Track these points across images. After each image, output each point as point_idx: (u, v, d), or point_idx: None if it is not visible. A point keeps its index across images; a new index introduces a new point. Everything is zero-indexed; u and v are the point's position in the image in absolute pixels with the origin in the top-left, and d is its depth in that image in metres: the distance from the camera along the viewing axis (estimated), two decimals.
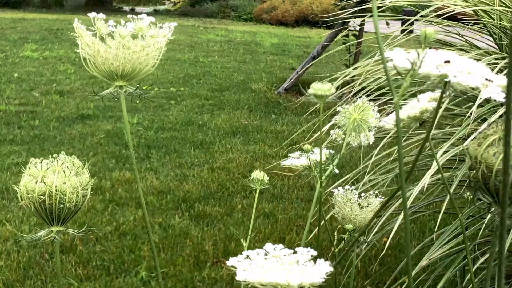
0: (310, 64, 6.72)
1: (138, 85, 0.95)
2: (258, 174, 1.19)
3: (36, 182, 0.85)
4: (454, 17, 2.06)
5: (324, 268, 0.65)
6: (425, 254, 2.09)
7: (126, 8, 19.42)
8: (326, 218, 1.43)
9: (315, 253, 0.67)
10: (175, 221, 3.52)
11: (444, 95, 0.73)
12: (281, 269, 0.66)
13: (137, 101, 6.32)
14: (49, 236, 0.89)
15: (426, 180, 1.54)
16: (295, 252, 0.67)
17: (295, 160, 1.19)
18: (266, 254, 0.67)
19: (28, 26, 12.23)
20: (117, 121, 5.65)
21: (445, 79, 0.69)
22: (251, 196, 3.93)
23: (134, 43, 0.89)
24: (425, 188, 1.59)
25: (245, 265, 0.65)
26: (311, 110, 6.01)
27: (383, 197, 1.18)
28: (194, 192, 3.96)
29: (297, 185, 4.09)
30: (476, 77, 0.69)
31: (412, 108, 0.97)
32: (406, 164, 2.01)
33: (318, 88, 1.00)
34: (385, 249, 1.97)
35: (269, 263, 0.66)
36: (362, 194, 1.18)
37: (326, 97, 1.00)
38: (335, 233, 1.30)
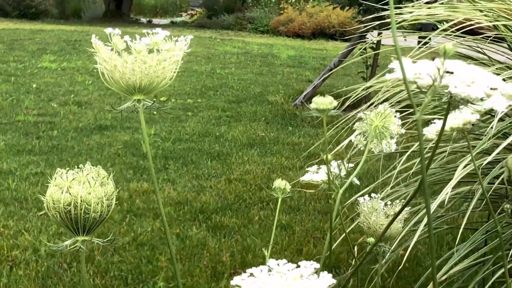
0: (327, 76, 6.73)
1: (155, 99, 0.97)
2: (280, 183, 1.19)
3: (62, 192, 0.86)
4: (473, 31, 2.06)
5: (327, 280, 0.65)
6: (443, 267, 2.08)
7: (143, 20, 19.48)
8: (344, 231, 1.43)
9: (317, 265, 0.67)
10: (193, 232, 3.53)
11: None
12: (285, 285, 0.66)
13: (155, 112, 6.35)
14: (74, 245, 0.90)
15: (448, 191, 1.54)
16: (298, 266, 0.68)
17: (315, 175, 1.19)
18: (270, 270, 0.68)
19: (46, 37, 12.31)
20: (134, 132, 5.68)
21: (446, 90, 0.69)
22: (268, 208, 3.93)
23: (150, 58, 0.91)
24: (446, 201, 1.59)
25: (250, 283, 0.66)
26: (328, 123, 6.02)
27: (409, 207, 1.17)
28: (211, 203, 3.97)
29: (314, 197, 4.09)
30: (479, 87, 0.68)
31: (455, 119, 0.96)
32: (433, 174, 2.01)
33: (320, 102, 1.01)
34: (403, 262, 1.97)
35: (273, 279, 0.67)
36: (388, 203, 1.18)
37: (328, 111, 1.00)
38: (353, 245, 1.30)
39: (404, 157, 1.93)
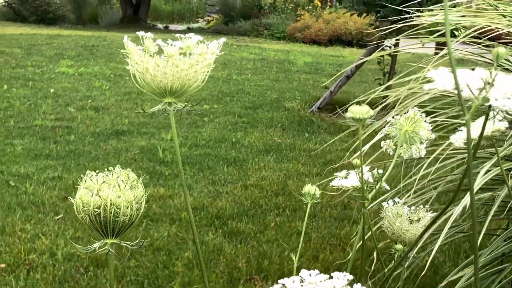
0: (344, 83, 6.72)
1: (187, 102, 0.97)
2: (309, 189, 1.19)
3: (92, 195, 0.87)
4: (497, 38, 2.05)
5: None
6: (461, 275, 2.07)
7: (160, 25, 19.53)
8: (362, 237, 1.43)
9: (351, 277, 0.67)
10: (209, 238, 3.53)
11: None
12: None
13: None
14: (103, 248, 0.90)
15: (466, 198, 1.53)
16: (331, 277, 0.67)
17: (344, 181, 1.18)
18: (302, 281, 0.67)
19: (63, 42, 12.37)
20: (151, 137, 5.69)
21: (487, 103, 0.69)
22: (285, 214, 3.93)
23: (182, 61, 0.91)
24: (467, 207, 1.59)
25: None
26: (345, 130, 6.01)
27: (432, 212, 1.17)
28: (228, 209, 3.97)
29: (330, 204, 4.08)
30: None
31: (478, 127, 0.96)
32: (451, 181, 2.01)
33: (356, 111, 1.00)
34: (425, 269, 1.96)
35: None
36: (412, 208, 1.17)
37: (364, 120, 1.00)
38: (371, 251, 1.29)
39: (428, 162, 1.92)
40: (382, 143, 1.09)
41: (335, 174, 1.20)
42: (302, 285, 0.67)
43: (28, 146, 5.26)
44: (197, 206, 4.01)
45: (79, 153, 5.14)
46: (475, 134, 0.94)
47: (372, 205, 1.92)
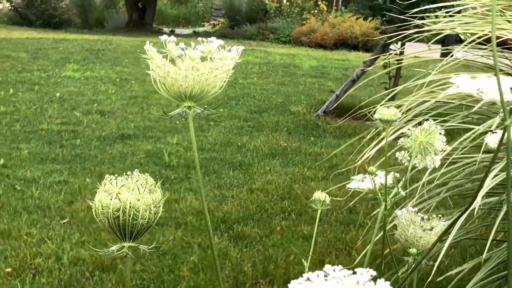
0: (350, 87, 6.71)
1: (206, 106, 0.97)
2: (319, 195, 1.19)
3: (111, 198, 0.87)
4: (502, 43, 2.05)
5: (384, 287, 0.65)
6: (467, 279, 2.07)
7: (166, 29, 19.55)
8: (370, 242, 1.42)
9: (374, 273, 0.67)
10: (214, 242, 3.53)
11: None
12: None
13: (177, 122, 6.37)
14: (121, 251, 0.91)
15: (478, 200, 1.53)
16: (354, 272, 0.68)
17: (361, 183, 1.18)
18: (326, 276, 0.67)
19: (69, 46, 12.40)
20: (157, 141, 5.70)
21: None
22: (290, 218, 3.93)
23: (203, 65, 0.91)
24: (476, 210, 1.58)
25: (307, 287, 0.66)
26: (350, 134, 5.99)
27: (444, 220, 1.17)
28: (233, 213, 3.97)
29: (336, 208, 4.07)
30: None
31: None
32: (457, 186, 2.00)
33: (384, 113, 1.01)
34: (432, 274, 1.96)
35: (330, 284, 0.66)
36: (424, 216, 1.17)
37: (392, 122, 1.01)
38: (378, 256, 1.29)
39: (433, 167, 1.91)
40: (397, 153, 1.10)
41: (352, 177, 1.20)
42: (326, 279, 0.67)
43: (34, 150, 5.27)
44: (203, 210, 4.01)
45: (85, 157, 5.15)
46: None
47: (379, 209, 1.91)
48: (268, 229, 3.75)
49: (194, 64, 0.90)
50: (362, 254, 2.48)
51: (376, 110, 1.02)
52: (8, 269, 3.15)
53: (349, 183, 1.24)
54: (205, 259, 3.30)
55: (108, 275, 3.11)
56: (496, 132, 1.03)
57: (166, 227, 3.72)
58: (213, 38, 0.94)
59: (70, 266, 3.20)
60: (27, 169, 4.73)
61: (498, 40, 1.83)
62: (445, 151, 1.05)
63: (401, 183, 1.13)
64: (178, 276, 3.13)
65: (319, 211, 1.19)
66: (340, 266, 0.68)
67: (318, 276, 0.68)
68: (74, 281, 3.06)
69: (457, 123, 2.04)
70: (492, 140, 1.03)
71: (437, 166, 1.07)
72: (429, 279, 1.88)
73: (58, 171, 4.73)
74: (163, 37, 0.93)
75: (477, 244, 3.40)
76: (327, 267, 0.68)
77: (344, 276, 0.68)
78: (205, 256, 3.34)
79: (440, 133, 1.05)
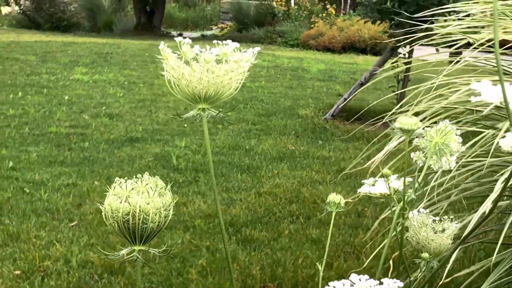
0: (358, 90, 6.71)
1: (221, 109, 0.98)
2: (334, 197, 1.19)
3: (121, 202, 0.87)
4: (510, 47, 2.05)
5: None
6: (475, 284, 2.06)
7: (174, 33, 19.57)
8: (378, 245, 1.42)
9: (401, 284, 0.67)
10: (223, 245, 3.54)
11: None
12: None
13: (185, 125, 6.38)
14: (131, 255, 0.91)
15: (488, 204, 1.53)
16: (381, 283, 0.68)
17: (373, 188, 1.18)
18: (352, 285, 0.67)
19: (78, 49, 12.43)
20: (165, 144, 5.70)
21: None
22: (298, 222, 3.93)
23: (218, 68, 0.91)
24: (486, 212, 1.58)
25: None
26: (359, 138, 5.99)
27: (457, 222, 1.16)
28: (241, 216, 3.98)
29: (344, 211, 4.07)
30: None
31: None
32: (464, 190, 2.00)
33: (405, 122, 1.01)
34: (442, 278, 1.95)
35: None
36: (436, 218, 1.16)
37: (412, 131, 1.01)
38: (387, 259, 1.29)
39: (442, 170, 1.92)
40: (412, 154, 1.09)
41: (363, 181, 1.20)
42: None
43: (42, 153, 5.29)
44: (211, 213, 4.02)
45: (93, 160, 5.16)
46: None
47: (388, 212, 1.91)
48: (276, 233, 3.75)
49: (209, 66, 0.91)
50: (370, 258, 2.48)
51: (396, 118, 1.02)
52: (17, 272, 3.16)
53: (359, 187, 1.24)
54: (214, 263, 3.30)
55: (117, 278, 3.11)
56: (505, 136, 1.02)
57: (174, 230, 3.72)
58: (228, 41, 0.94)
59: (79, 269, 3.21)
60: (36, 172, 4.75)
61: (507, 46, 1.84)
62: (461, 152, 1.05)
63: (415, 185, 1.12)
64: (186, 279, 3.13)
65: (333, 213, 1.19)
66: (366, 276, 0.69)
67: (344, 285, 0.68)
68: (82, 283, 3.07)
69: (466, 126, 2.04)
70: (506, 143, 1.02)
71: (452, 168, 1.06)
72: (439, 283, 1.87)
73: (66, 174, 4.74)
74: (178, 39, 0.93)
75: (486, 248, 3.40)
76: (353, 277, 0.68)
77: (370, 286, 0.68)
78: (213, 259, 3.34)
79: (456, 134, 1.05)
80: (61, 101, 7.51)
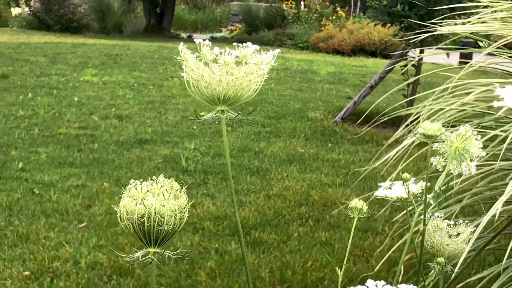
0: (368, 93, 6.70)
1: (240, 111, 0.97)
2: (357, 203, 1.18)
3: (136, 204, 0.87)
4: None
5: None
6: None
7: (184, 35, 19.59)
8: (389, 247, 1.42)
9: None
10: (232, 247, 3.53)
11: None
12: None
13: (194, 127, 6.38)
14: (146, 257, 0.91)
15: (498, 207, 1.51)
16: None
17: (389, 191, 1.17)
18: None
19: (88, 51, 12.46)
20: (174, 146, 5.70)
21: None
22: (308, 224, 3.92)
23: (238, 70, 0.91)
24: (496, 217, 1.57)
25: None
26: (368, 141, 5.98)
27: (472, 227, 1.15)
28: (251, 219, 3.97)
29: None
30: None
31: None
32: (475, 194, 1.99)
33: (428, 127, 1.00)
34: (455, 282, 1.94)
35: None
36: (451, 222, 1.15)
37: (436, 137, 1.00)
38: (397, 263, 1.28)
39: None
40: (432, 159, 1.08)
41: (379, 184, 1.19)
42: None
43: (52, 154, 5.30)
44: (220, 216, 4.01)
45: (102, 161, 5.16)
46: None
47: (396, 218, 1.90)
48: (286, 235, 3.75)
49: (229, 68, 0.90)
50: (381, 262, 2.47)
51: (420, 124, 1.01)
52: (26, 273, 3.16)
53: (369, 190, 1.23)
54: (222, 265, 3.30)
55: (126, 280, 3.11)
56: None
57: (183, 232, 3.72)
58: (249, 43, 0.94)
59: (88, 270, 3.21)
60: (45, 173, 4.75)
61: None
62: (482, 157, 1.04)
63: (435, 190, 1.11)
64: (195, 281, 3.13)
65: (355, 219, 1.18)
66: (383, 282, 0.68)
67: None
68: (91, 285, 3.07)
69: (478, 129, 2.03)
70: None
71: (473, 173, 1.05)
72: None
73: (76, 175, 4.75)
74: (198, 41, 0.92)
75: (496, 253, 3.38)
76: (370, 282, 0.68)
77: None
78: (222, 261, 3.34)
79: (476, 139, 1.04)
80: (71, 103, 7.52)
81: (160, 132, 6.23)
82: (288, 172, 5.05)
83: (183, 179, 4.72)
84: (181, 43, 0.93)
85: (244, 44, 0.93)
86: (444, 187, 1.08)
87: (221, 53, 0.92)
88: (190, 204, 3.09)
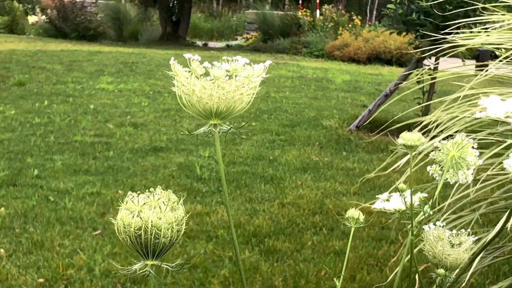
0: (383, 101, 6.69)
1: (232, 125, 0.97)
2: (353, 213, 1.18)
3: (133, 217, 0.87)
4: None
5: None
6: None
7: (199, 43, 19.65)
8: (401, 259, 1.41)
9: None
10: (245, 256, 3.53)
11: None
12: None
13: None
14: (144, 269, 0.91)
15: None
16: None
17: (387, 203, 1.16)
18: None
19: (104, 59, 12.51)
20: (189, 154, 5.71)
21: None
22: (322, 233, 3.91)
23: (229, 83, 0.91)
24: (509, 227, 1.56)
25: None
26: (383, 149, 5.96)
27: (474, 236, 1.15)
28: (264, 227, 3.97)
29: (368, 223, 4.05)
30: None
31: None
32: (491, 204, 1.98)
33: (408, 138, 1.00)
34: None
35: None
36: (453, 232, 1.15)
37: (416, 147, 1.00)
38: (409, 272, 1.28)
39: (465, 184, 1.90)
40: (428, 167, 1.08)
41: (376, 196, 1.19)
42: None
43: (67, 161, 5.32)
44: (234, 224, 4.01)
45: (117, 169, 5.18)
46: None
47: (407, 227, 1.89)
48: (299, 244, 3.74)
49: (219, 83, 0.90)
50: (394, 272, 2.46)
51: (400, 135, 1.01)
52: (41, 280, 3.17)
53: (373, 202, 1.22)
54: (236, 273, 3.29)
55: (140, 287, 3.11)
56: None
57: (197, 240, 3.72)
58: (238, 57, 0.94)
59: (102, 278, 3.21)
60: (61, 180, 4.77)
61: None
62: (478, 165, 1.03)
63: (430, 201, 1.11)
64: None
65: (352, 229, 1.18)
66: None
67: None
68: None
69: (490, 137, 2.02)
70: (510, 164, 1.00)
71: (469, 181, 1.05)
72: None
73: (91, 183, 4.76)
74: (187, 55, 0.93)
75: (510, 262, 3.37)
76: None
77: None
78: (236, 270, 3.34)
79: (472, 147, 1.04)
80: (86, 110, 7.56)
81: (175, 139, 6.25)
82: (302, 180, 5.05)
83: (197, 187, 4.73)
84: (172, 58, 0.94)
85: (234, 57, 0.93)
86: (437, 198, 1.08)
87: (211, 67, 0.92)
88: (204, 212, 3.12)
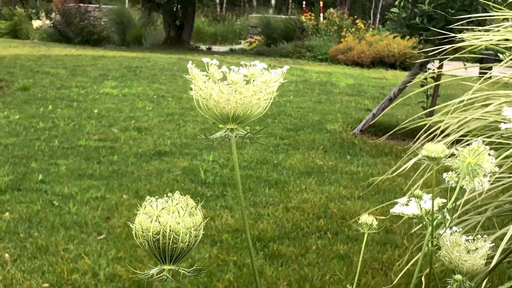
0: (387, 105, 6.69)
1: (248, 130, 0.97)
2: (367, 219, 1.17)
3: (151, 221, 0.87)
4: None
5: None
6: None
7: (203, 47, 19.66)
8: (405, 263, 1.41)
9: None
10: (250, 260, 3.53)
11: None
12: None
13: (214, 140, 6.38)
14: (161, 274, 0.91)
15: None
16: None
17: (405, 208, 1.16)
18: None
19: (108, 63, 12.53)
20: (193, 158, 5.72)
21: None
22: (326, 237, 3.91)
23: (246, 88, 0.91)
24: None
25: None
26: (387, 153, 5.96)
27: (490, 242, 1.14)
28: (269, 231, 3.97)
29: (374, 228, 4.04)
30: None
31: None
32: (496, 207, 1.98)
33: (431, 149, 0.99)
34: None
35: None
36: (470, 238, 1.14)
37: (439, 159, 1.00)
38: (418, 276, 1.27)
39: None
40: (444, 174, 1.08)
41: (396, 200, 1.18)
42: None
43: (72, 166, 5.32)
44: (238, 228, 4.01)
45: (122, 173, 5.18)
46: None
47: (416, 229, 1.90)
48: (304, 248, 3.74)
49: (237, 87, 0.90)
50: (400, 276, 2.46)
51: (423, 147, 1.00)
52: (46, 284, 3.17)
53: (387, 202, 1.22)
54: (241, 277, 3.29)
55: None
56: None
57: (201, 245, 3.72)
58: (256, 61, 0.94)
59: (107, 282, 3.21)
60: (65, 185, 4.78)
61: None
62: (495, 173, 1.03)
63: (448, 205, 1.11)
64: None
65: (365, 235, 1.18)
66: None
67: None
68: None
69: (497, 140, 2.02)
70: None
71: (486, 189, 1.05)
72: None
73: (95, 187, 4.77)
74: (205, 60, 0.92)
75: None
76: None
77: None
78: (240, 274, 3.34)
79: (489, 154, 1.03)
80: (91, 115, 7.57)
81: (179, 144, 6.25)
82: (306, 184, 5.05)
83: (201, 191, 4.73)
84: (190, 62, 0.94)
85: (251, 63, 0.93)
86: (454, 204, 1.07)
87: (229, 71, 0.92)
88: (208, 216, 3.12)
